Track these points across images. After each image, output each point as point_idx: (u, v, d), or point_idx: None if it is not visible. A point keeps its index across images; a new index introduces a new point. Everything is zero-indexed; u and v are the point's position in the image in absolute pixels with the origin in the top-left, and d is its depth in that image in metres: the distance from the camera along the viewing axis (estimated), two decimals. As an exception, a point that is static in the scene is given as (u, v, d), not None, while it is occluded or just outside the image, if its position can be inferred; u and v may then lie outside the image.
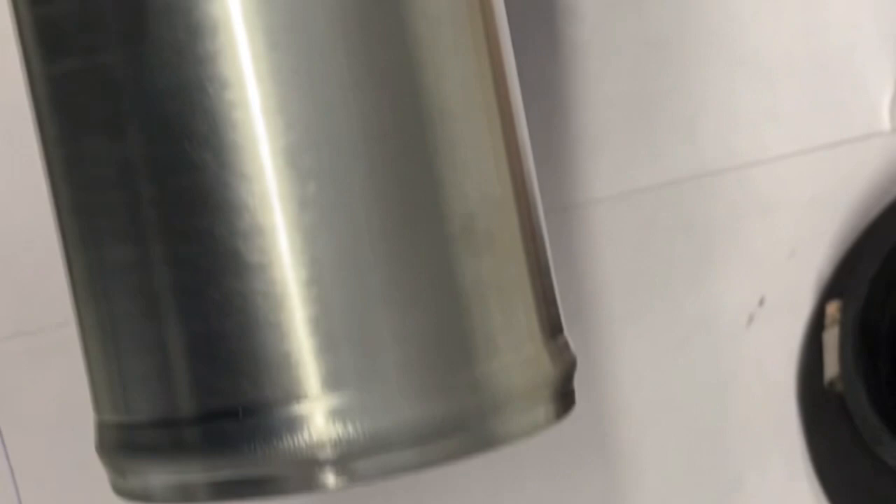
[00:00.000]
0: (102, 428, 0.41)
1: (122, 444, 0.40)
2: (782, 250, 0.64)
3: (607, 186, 0.62)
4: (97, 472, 0.43)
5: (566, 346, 0.43)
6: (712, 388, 0.65)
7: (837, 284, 0.64)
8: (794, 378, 0.65)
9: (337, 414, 0.37)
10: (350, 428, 0.37)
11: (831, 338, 0.62)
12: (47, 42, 0.39)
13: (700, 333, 0.64)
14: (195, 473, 0.38)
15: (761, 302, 0.64)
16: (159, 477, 0.39)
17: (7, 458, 0.60)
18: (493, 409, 0.39)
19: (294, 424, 0.37)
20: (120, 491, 0.41)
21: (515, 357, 0.40)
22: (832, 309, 0.62)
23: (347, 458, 0.37)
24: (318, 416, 0.37)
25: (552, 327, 0.42)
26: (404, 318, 0.38)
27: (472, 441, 0.39)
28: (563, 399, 0.42)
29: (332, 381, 0.37)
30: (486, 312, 0.39)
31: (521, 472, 0.64)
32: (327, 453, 0.37)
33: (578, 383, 0.44)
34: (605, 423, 0.64)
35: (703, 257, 0.64)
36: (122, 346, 0.39)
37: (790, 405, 0.65)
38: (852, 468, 0.62)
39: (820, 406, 0.63)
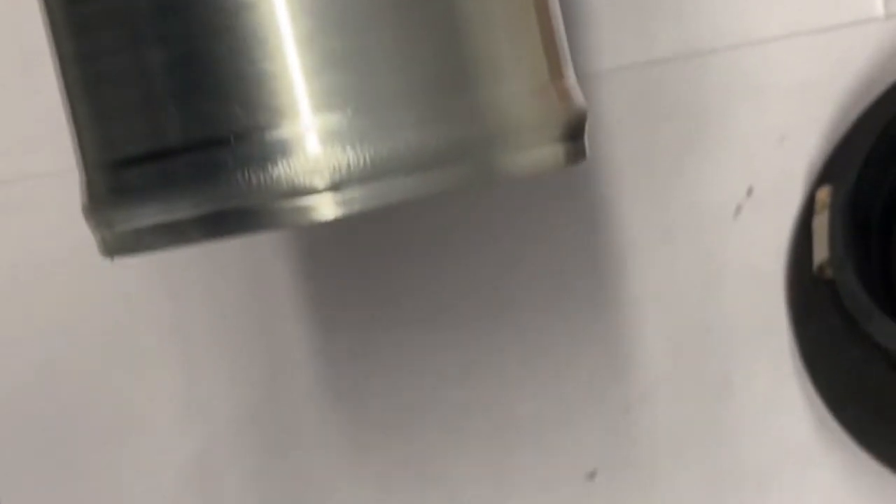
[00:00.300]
0: (90, 184, 0.39)
1: (110, 189, 0.38)
2: (772, 137, 0.62)
3: (590, 63, 0.61)
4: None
5: (576, 89, 0.41)
6: (697, 282, 0.62)
7: (828, 173, 0.61)
8: (783, 272, 0.62)
9: (333, 136, 0.35)
10: (347, 152, 0.35)
11: (821, 223, 0.59)
12: None
13: (685, 224, 0.62)
14: (186, 210, 0.36)
15: (749, 191, 0.62)
16: (149, 219, 0.37)
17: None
18: (496, 138, 0.37)
19: (288, 148, 0.35)
20: (109, 248, 0.39)
21: (521, 87, 0.38)
22: (822, 194, 0.60)
23: (345, 184, 0.35)
24: (312, 139, 0.35)
25: (560, 65, 0.40)
26: (406, 37, 0.36)
27: (474, 171, 0.37)
28: (573, 145, 0.40)
29: (328, 101, 0.35)
30: (491, 38, 0.37)
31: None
32: (324, 178, 0.35)
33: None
34: (589, 311, 0.62)
35: (688, 142, 0.62)
36: (105, 77, 0.37)
37: (778, 301, 0.62)
38: (842, 357, 0.59)
39: (809, 296, 0.61)
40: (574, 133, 0.40)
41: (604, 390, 0.61)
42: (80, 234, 0.56)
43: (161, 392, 0.58)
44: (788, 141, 0.62)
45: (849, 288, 0.57)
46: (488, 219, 0.60)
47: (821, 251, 0.59)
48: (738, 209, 0.61)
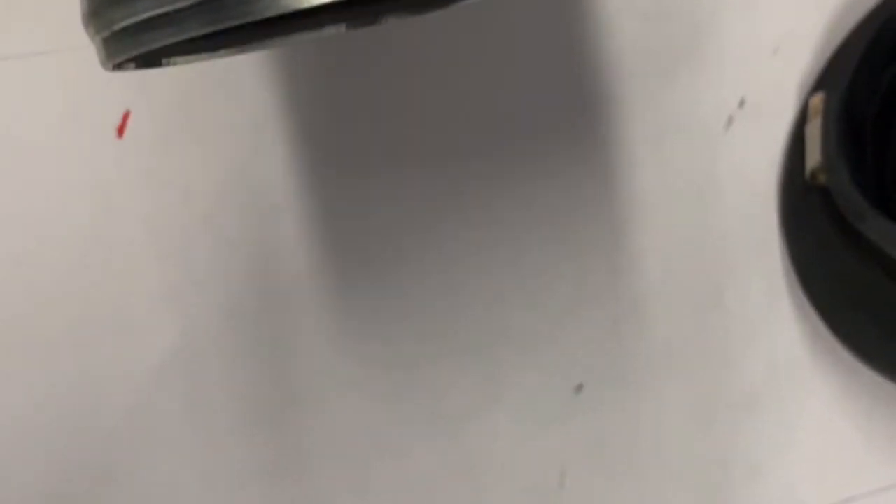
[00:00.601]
0: None
1: None
2: (765, 48, 0.61)
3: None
4: None
5: None
6: (688, 193, 0.61)
7: (822, 82, 0.60)
8: (776, 185, 0.61)
9: None
10: None
11: (813, 128, 0.59)
12: None
13: (676, 134, 0.61)
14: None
15: (741, 103, 0.61)
16: (148, 10, 0.36)
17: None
18: None
19: None
20: (110, 52, 0.38)
21: None
22: (815, 101, 0.59)
23: None
24: None
25: None
26: None
27: None
28: None
29: None
30: None
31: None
32: None
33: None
34: (576, 221, 0.61)
35: (680, 52, 0.61)
36: None
37: (771, 214, 0.61)
38: (835, 266, 0.58)
39: (801, 204, 0.60)
40: None
41: (592, 303, 0.60)
42: (58, 117, 0.55)
43: (137, 286, 0.56)
44: (781, 53, 0.61)
45: (841, 188, 0.55)
46: (478, 127, 0.59)
47: (813, 156, 0.58)
48: (730, 120, 0.61)
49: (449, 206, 0.59)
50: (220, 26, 0.35)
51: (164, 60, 0.42)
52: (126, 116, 0.55)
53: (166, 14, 0.36)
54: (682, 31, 0.61)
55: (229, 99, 0.55)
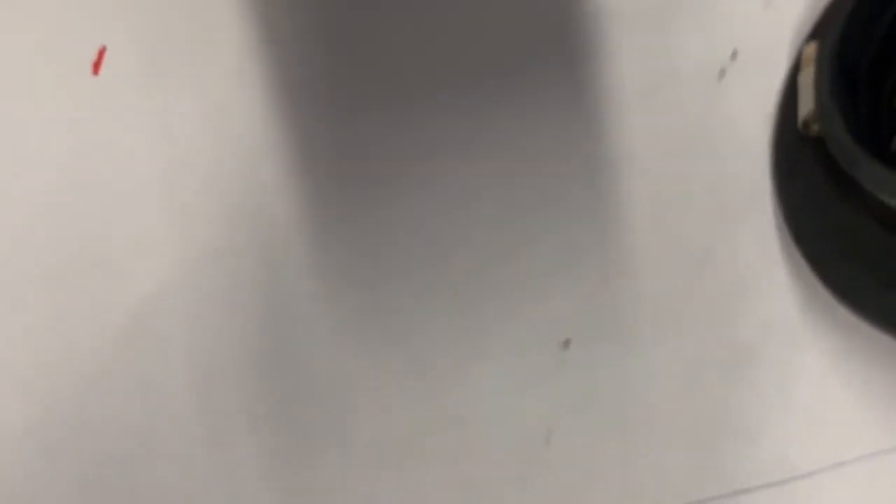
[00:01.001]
0: None
1: None
2: (757, 1, 0.60)
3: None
4: None
5: None
6: (679, 146, 0.60)
7: (815, 34, 0.59)
8: (768, 138, 0.60)
9: None
10: None
11: (806, 77, 0.57)
12: None
13: (667, 86, 0.60)
14: None
15: (734, 55, 0.60)
16: None
17: None
18: None
19: None
20: None
21: None
22: (808, 50, 0.58)
23: None
24: None
25: None
26: None
27: None
28: None
29: None
30: None
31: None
32: None
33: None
34: (566, 173, 0.60)
35: (671, 3, 0.60)
36: None
37: (763, 168, 0.60)
38: (828, 217, 0.57)
39: (794, 155, 0.59)
40: None
41: (580, 257, 0.59)
42: (32, 54, 0.55)
43: (115, 227, 0.55)
44: (774, 6, 0.60)
45: (834, 134, 0.54)
46: (465, 76, 0.59)
47: (806, 105, 0.57)
48: (723, 72, 0.60)
49: (437, 156, 0.58)
50: None
51: None
52: (102, 52, 0.54)
53: None
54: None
55: (208, 33, 0.54)
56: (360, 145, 0.56)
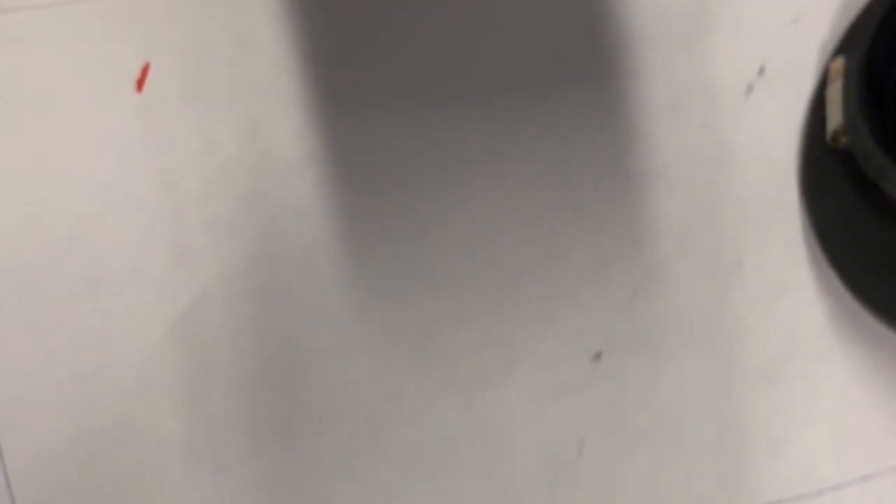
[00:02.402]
0: None
1: None
2: (784, 18, 0.61)
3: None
4: None
5: None
6: (707, 160, 0.61)
7: (842, 50, 0.60)
8: (796, 152, 0.61)
9: None
10: None
11: (834, 91, 0.58)
12: None
13: (695, 101, 0.60)
14: None
15: (761, 71, 0.61)
16: None
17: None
18: None
19: None
20: None
21: None
22: (836, 65, 0.59)
23: None
24: None
25: None
26: None
27: None
28: None
29: None
30: None
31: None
32: None
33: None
34: (596, 187, 0.60)
35: (699, 19, 0.61)
36: None
37: (791, 183, 0.61)
38: (857, 229, 0.58)
39: (822, 168, 0.59)
40: None
41: (610, 270, 0.59)
42: (79, 70, 0.55)
43: (154, 241, 0.56)
44: (801, 23, 0.61)
45: (862, 145, 0.55)
46: (495, 93, 0.59)
47: (834, 118, 0.58)
48: (750, 88, 0.60)
49: (468, 171, 0.59)
50: None
51: None
52: (145, 70, 0.55)
53: None
54: (703, 1, 0.61)
55: (247, 54, 0.55)
56: (394, 160, 0.57)
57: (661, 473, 0.60)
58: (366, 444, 0.57)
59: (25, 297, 0.54)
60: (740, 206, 0.60)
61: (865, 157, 0.55)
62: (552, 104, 0.59)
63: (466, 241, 0.58)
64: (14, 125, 0.54)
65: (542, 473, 0.59)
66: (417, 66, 0.57)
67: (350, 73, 0.56)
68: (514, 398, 0.59)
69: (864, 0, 0.61)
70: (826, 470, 0.61)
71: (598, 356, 0.59)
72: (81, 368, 0.54)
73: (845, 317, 0.59)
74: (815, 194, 0.59)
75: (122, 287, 0.55)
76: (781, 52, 0.61)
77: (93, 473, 0.55)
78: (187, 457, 0.55)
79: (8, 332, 0.54)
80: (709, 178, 0.60)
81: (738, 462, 0.60)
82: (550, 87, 0.59)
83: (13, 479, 0.53)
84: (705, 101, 0.60)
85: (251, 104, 0.55)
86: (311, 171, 0.55)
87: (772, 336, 0.60)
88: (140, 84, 0.55)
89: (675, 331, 0.60)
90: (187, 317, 0.55)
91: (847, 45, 0.60)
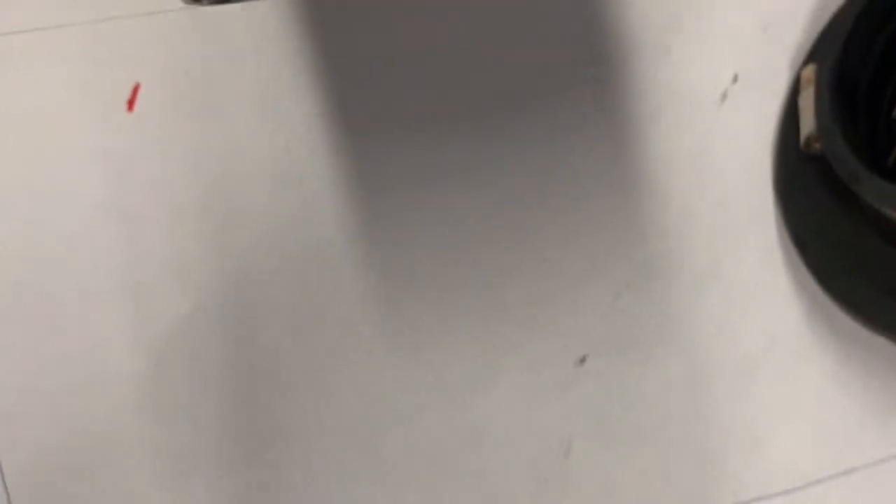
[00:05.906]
0: None
1: None
2: (756, 25, 0.63)
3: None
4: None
5: None
6: (685, 168, 0.62)
7: (813, 56, 0.62)
8: (770, 157, 0.62)
9: None
10: None
11: (807, 98, 0.60)
12: None
13: (672, 109, 0.62)
14: None
15: (735, 79, 0.62)
16: None
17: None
18: None
19: None
20: None
21: None
22: (807, 72, 0.61)
23: None
24: None
25: None
26: None
27: None
28: None
29: None
30: None
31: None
32: None
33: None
34: (576, 195, 0.62)
35: (673, 28, 0.62)
36: None
37: (766, 187, 0.63)
38: (832, 231, 0.59)
39: (796, 173, 0.61)
40: None
41: (593, 275, 0.61)
42: (70, 91, 0.57)
43: (147, 254, 0.57)
44: (772, 30, 0.63)
45: (835, 151, 0.57)
46: (476, 104, 0.61)
47: (807, 125, 0.59)
48: (724, 95, 0.62)
49: (456, 177, 0.60)
50: None
51: None
52: (136, 90, 0.56)
53: None
54: (672, 8, 0.62)
55: (237, 70, 0.56)
56: (381, 172, 0.58)
57: (647, 472, 0.61)
58: (357, 449, 0.59)
59: (19, 310, 0.55)
60: (718, 211, 0.62)
61: (839, 162, 0.57)
62: (534, 114, 0.60)
63: (452, 249, 0.60)
64: (7, 143, 0.55)
65: (530, 475, 0.60)
66: (401, 79, 0.58)
67: (338, 87, 0.57)
68: (502, 402, 0.60)
69: (834, 6, 0.62)
70: (808, 465, 0.62)
71: (583, 359, 0.61)
72: (75, 380, 0.55)
73: (821, 316, 0.61)
74: (790, 198, 0.61)
75: (115, 300, 0.56)
76: (754, 59, 0.62)
77: (88, 485, 0.56)
78: (180, 467, 0.56)
79: (1, 345, 0.55)
80: (687, 183, 0.62)
81: (721, 459, 0.62)
82: (532, 96, 0.60)
83: (13, 493, 0.54)
84: (681, 108, 0.62)
85: (242, 120, 0.57)
86: (302, 185, 0.57)
87: (751, 336, 0.61)
88: (131, 103, 0.56)
89: (657, 332, 0.61)
90: (180, 330, 0.56)
91: (818, 52, 0.61)
